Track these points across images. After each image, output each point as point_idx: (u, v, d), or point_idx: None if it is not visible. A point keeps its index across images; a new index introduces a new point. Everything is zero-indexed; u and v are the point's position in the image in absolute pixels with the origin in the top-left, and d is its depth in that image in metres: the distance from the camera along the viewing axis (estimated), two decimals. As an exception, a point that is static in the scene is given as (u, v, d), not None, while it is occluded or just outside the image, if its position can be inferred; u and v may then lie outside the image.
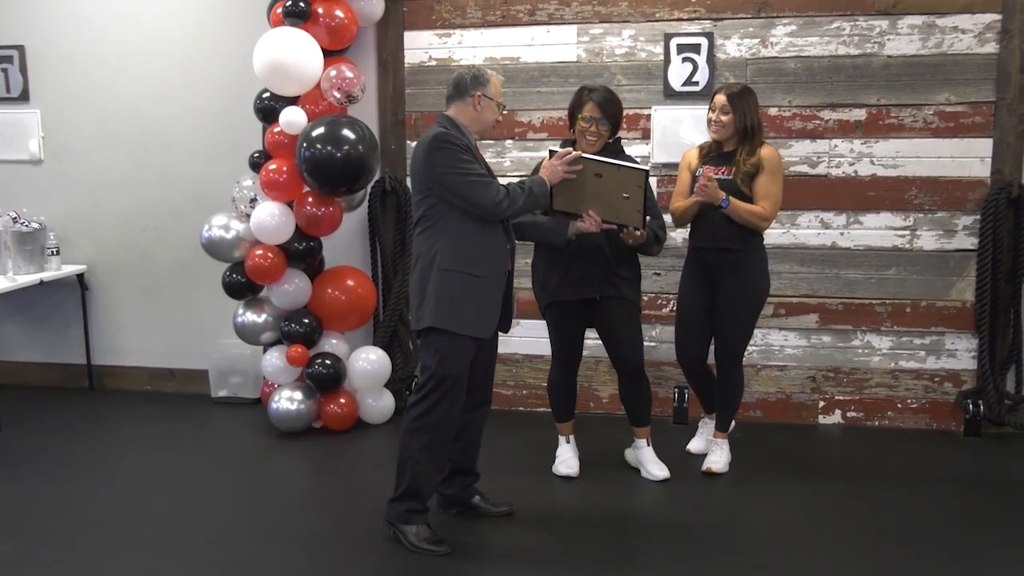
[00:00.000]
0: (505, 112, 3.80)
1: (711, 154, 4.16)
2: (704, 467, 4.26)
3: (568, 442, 4.31)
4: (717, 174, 4.05)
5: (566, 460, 4.25)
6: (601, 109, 3.90)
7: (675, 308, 4.40)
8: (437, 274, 3.43)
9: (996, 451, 4.58)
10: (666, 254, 4.89)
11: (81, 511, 3.92)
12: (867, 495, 4.02)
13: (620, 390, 4.20)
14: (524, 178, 3.72)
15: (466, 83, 3.55)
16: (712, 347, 4.30)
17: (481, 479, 3.88)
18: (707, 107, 4.14)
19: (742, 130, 4.02)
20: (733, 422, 4.39)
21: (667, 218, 4.24)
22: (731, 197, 3.98)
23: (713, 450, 4.32)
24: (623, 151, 4.08)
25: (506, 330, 3.71)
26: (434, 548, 3.48)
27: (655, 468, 4.18)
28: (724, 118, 4.01)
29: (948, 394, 4.86)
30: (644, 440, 4.23)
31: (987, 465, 4.39)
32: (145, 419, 5.19)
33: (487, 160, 4.29)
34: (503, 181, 4.00)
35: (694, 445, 4.52)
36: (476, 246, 3.46)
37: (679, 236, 4.93)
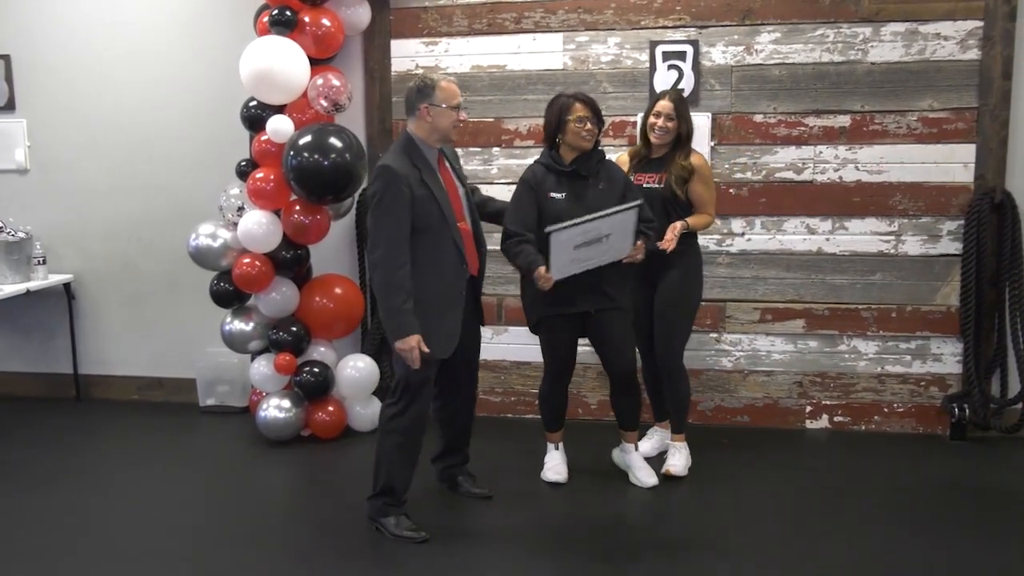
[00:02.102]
0: (464, 113, 3.75)
1: (641, 162, 4.22)
2: (664, 469, 4.24)
3: (557, 449, 4.31)
4: (648, 182, 4.15)
5: (554, 466, 4.26)
6: (589, 107, 3.94)
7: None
8: None
9: (982, 455, 4.60)
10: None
11: (68, 522, 3.90)
12: (854, 499, 4.03)
13: (612, 397, 4.20)
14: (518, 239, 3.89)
15: (412, 98, 3.63)
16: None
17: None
18: (649, 111, 4.19)
19: (684, 136, 4.12)
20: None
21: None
22: (688, 220, 4.08)
23: (672, 453, 4.32)
24: (605, 156, 4.09)
25: (481, 323, 3.97)
26: (413, 535, 3.63)
27: (644, 475, 4.18)
28: (670, 124, 4.10)
29: (934, 398, 4.89)
30: (633, 445, 4.24)
31: (973, 469, 4.41)
32: (133, 429, 5.17)
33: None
34: (491, 190, 4.06)
35: (643, 447, 4.48)
36: (425, 271, 3.55)
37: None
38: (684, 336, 4.29)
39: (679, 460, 4.29)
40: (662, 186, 4.12)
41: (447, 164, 3.79)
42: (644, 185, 4.14)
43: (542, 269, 3.75)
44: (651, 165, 4.19)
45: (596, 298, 3.97)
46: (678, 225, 4.04)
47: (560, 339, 4.08)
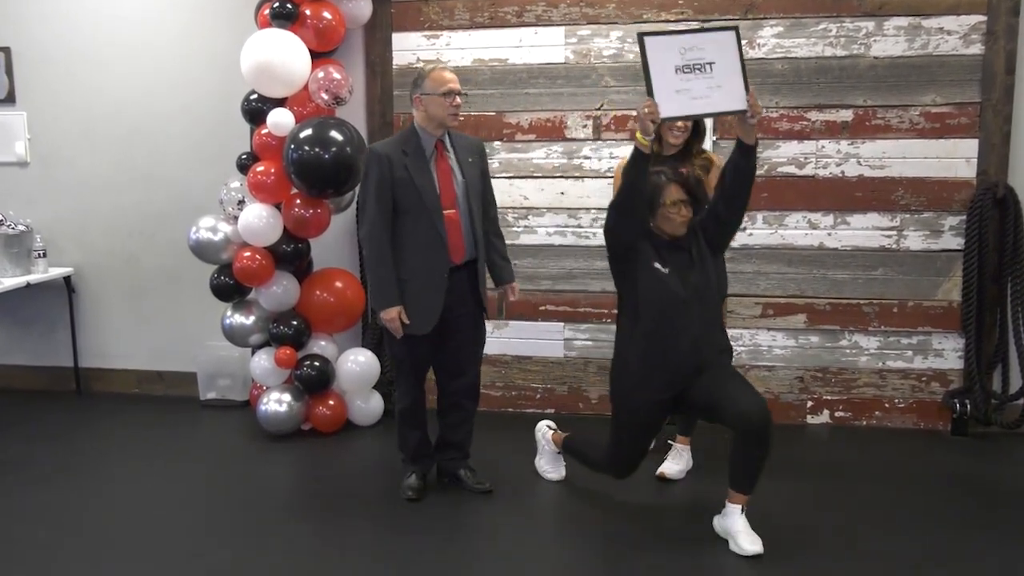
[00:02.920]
0: (456, 98, 3.75)
1: (656, 160, 4.11)
2: (659, 471, 4.15)
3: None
4: None
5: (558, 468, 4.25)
6: (685, 189, 3.55)
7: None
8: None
9: (983, 450, 4.60)
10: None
11: (69, 516, 3.90)
12: (854, 494, 4.03)
13: (737, 451, 3.48)
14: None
15: (410, 89, 3.83)
16: None
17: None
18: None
19: (700, 130, 4.05)
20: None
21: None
22: None
23: (674, 456, 4.23)
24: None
25: (481, 314, 4.03)
26: (407, 493, 3.98)
27: (746, 542, 3.46)
28: (687, 122, 3.98)
29: (935, 394, 4.89)
30: (740, 507, 3.52)
31: (974, 464, 4.41)
32: (133, 422, 5.17)
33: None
34: (491, 184, 4.05)
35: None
36: (401, 251, 3.80)
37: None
38: None
39: (679, 465, 4.22)
40: None
41: (447, 154, 3.86)
42: None
43: (648, 100, 3.30)
44: (666, 163, 4.11)
45: (696, 369, 3.53)
46: None
47: (649, 426, 3.70)
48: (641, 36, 3.34)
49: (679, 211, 3.50)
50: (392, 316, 3.77)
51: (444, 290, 3.81)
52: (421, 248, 3.78)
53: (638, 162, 3.40)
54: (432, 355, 3.98)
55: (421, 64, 5.08)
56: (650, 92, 3.32)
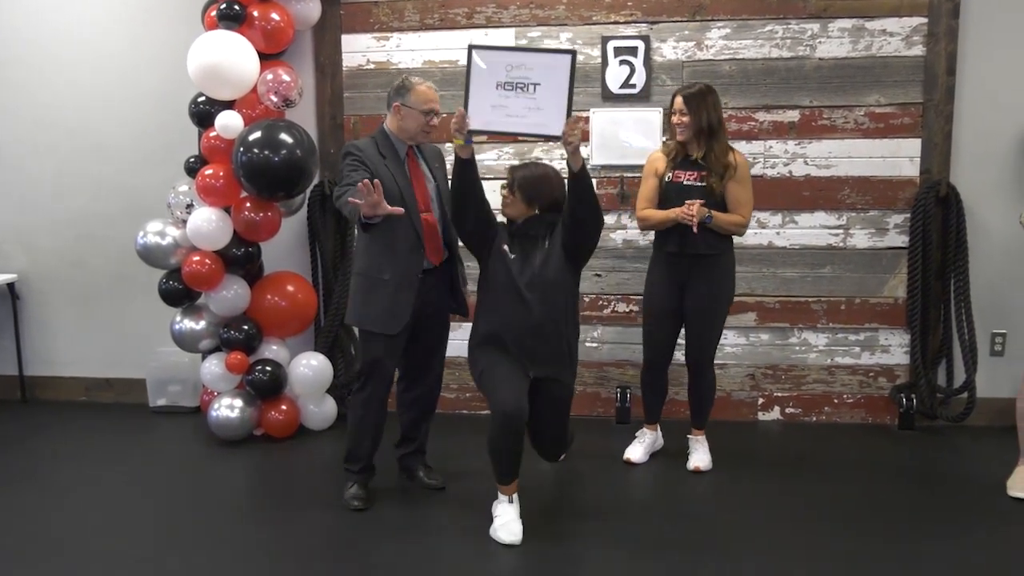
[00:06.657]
0: (434, 117, 3.85)
1: (677, 159, 4.17)
2: (692, 466, 4.28)
3: (511, 503, 3.74)
4: (689, 180, 4.09)
5: (507, 523, 3.68)
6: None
7: (642, 309, 4.39)
8: (352, 277, 3.96)
9: (929, 444, 4.69)
10: (607, 255, 4.94)
11: (16, 527, 3.83)
12: (805, 489, 4.09)
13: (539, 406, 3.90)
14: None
15: (391, 94, 3.84)
16: (682, 350, 4.40)
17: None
18: (668, 109, 4.20)
19: (700, 130, 4.06)
20: None
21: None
22: (714, 212, 4.01)
23: (698, 449, 4.36)
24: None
25: (463, 313, 4.11)
26: (354, 503, 3.93)
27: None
28: (684, 119, 4.06)
29: (883, 389, 4.97)
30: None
31: (920, 457, 4.50)
32: (81, 430, 5.08)
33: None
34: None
35: (634, 454, 4.43)
36: (381, 251, 3.78)
37: (619, 237, 4.97)
38: (718, 336, 4.31)
39: (705, 456, 4.34)
40: (703, 184, 4.07)
41: (418, 160, 3.93)
42: (684, 183, 4.10)
43: (460, 108, 3.54)
44: (688, 163, 4.13)
45: (530, 357, 3.79)
46: (699, 205, 3.96)
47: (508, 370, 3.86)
48: (470, 48, 3.50)
49: (505, 196, 3.83)
50: (368, 190, 3.39)
51: (416, 290, 3.82)
52: (398, 249, 3.78)
53: (457, 166, 3.65)
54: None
55: (372, 66, 5.07)
56: (465, 103, 3.53)
